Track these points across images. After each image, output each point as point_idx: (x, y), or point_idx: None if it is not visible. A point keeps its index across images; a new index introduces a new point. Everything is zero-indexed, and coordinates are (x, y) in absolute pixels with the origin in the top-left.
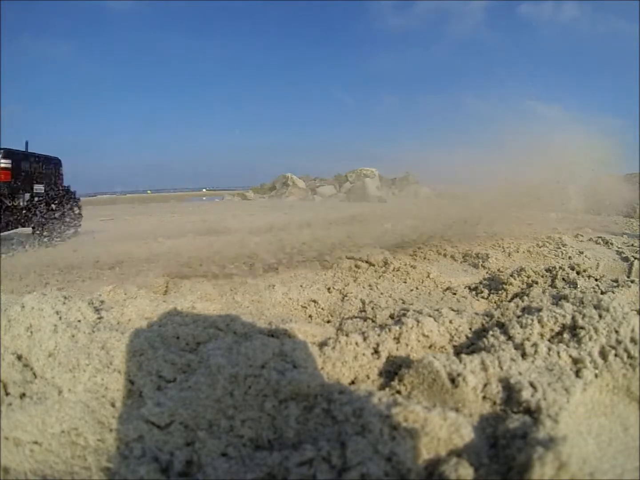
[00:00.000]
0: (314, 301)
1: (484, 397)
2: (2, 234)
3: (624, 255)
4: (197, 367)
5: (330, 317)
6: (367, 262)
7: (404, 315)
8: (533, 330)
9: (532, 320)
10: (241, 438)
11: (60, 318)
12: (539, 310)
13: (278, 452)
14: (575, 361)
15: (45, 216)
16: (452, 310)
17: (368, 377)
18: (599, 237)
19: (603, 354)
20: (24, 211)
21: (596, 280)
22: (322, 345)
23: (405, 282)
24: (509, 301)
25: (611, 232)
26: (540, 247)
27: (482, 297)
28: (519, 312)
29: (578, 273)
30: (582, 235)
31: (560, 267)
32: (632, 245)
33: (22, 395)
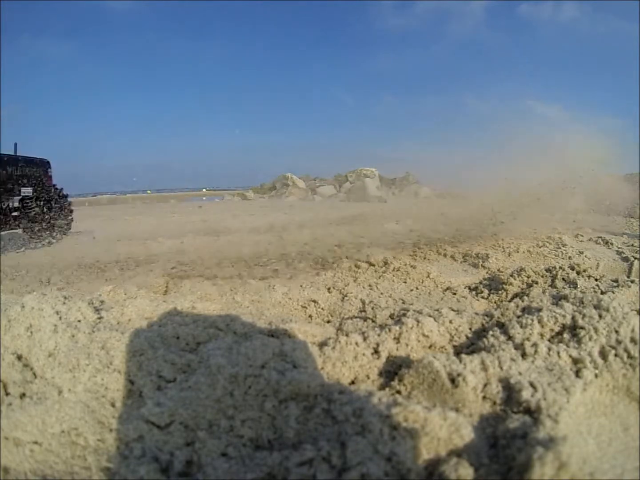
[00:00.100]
0: (314, 301)
1: (484, 397)
2: None
3: (624, 255)
4: (197, 367)
5: (330, 317)
6: (367, 262)
7: (404, 315)
8: (533, 330)
9: (532, 320)
10: (241, 438)
11: (60, 318)
12: (539, 310)
13: (278, 452)
14: (575, 361)
15: (35, 218)
16: (452, 310)
17: (368, 377)
18: (599, 237)
19: (603, 354)
20: (13, 213)
21: (596, 280)
22: (322, 345)
23: (405, 282)
24: (509, 301)
25: (611, 232)
26: (540, 247)
27: (482, 297)
28: (519, 312)
29: (578, 273)
30: (582, 235)
31: (560, 267)
32: (632, 245)
33: (22, 395)
